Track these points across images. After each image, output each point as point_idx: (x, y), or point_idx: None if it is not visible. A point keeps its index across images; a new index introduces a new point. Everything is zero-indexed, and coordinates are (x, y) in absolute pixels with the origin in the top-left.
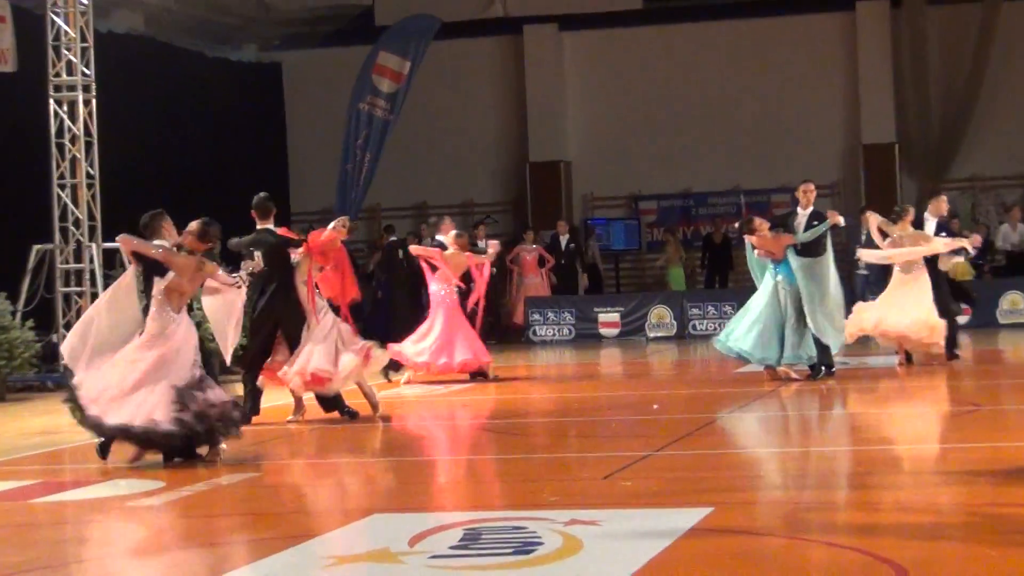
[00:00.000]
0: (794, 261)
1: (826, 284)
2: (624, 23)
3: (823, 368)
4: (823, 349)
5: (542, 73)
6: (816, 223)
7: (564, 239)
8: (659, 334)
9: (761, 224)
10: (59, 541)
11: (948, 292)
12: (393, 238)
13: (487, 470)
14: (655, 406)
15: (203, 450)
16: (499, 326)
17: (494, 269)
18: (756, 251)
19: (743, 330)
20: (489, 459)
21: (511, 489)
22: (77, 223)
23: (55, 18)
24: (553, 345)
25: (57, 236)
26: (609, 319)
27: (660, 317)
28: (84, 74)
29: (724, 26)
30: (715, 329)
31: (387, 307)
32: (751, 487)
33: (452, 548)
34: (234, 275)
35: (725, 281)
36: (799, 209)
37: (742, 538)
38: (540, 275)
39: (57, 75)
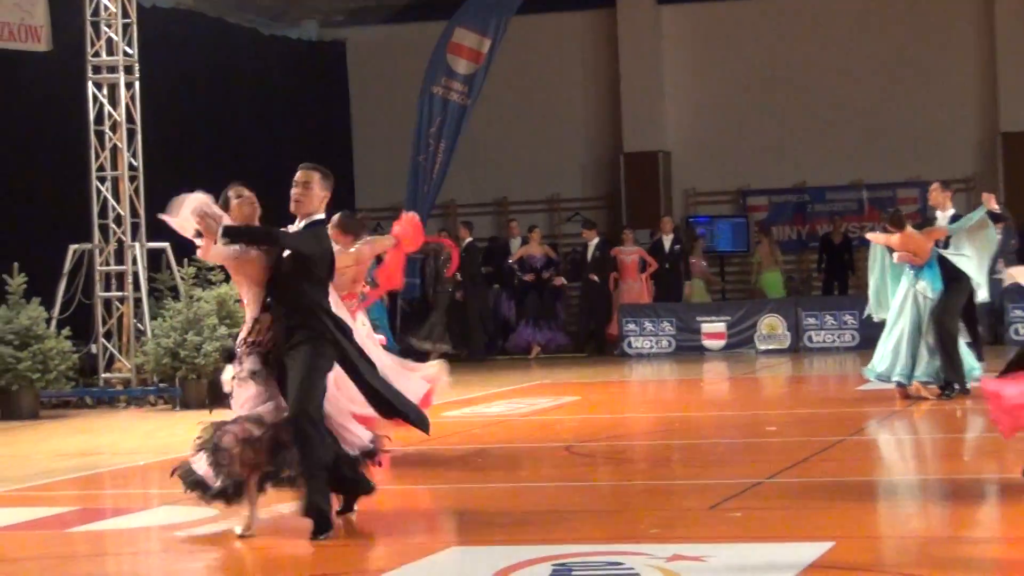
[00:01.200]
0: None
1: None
2: None
3: (955, 387)
4: (955, 365)
5: (638, 52)
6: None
7: (668, 239)
8: (770, 346)
9: (908, 218)
10: (99, 575)
11: None
12: (469, 239)
13: (578, 498)
14: (771, 428)
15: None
16: (592, 337)
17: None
18: (896, 253)
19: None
20: (580, 486)
21: (606, 520)
22: (119, 220)
23: None
24: (651, 359)
25: (96, 235)
26: (714, 330)
27: (771, 328)
28: (126, 54)
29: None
30: (833, 341)
31: (462, 311)
32: (876, 520)
33: None
34: None
35: (845, 287)
36: (938, 213)
37: None
38: (640, 280)
39: (96, 55)
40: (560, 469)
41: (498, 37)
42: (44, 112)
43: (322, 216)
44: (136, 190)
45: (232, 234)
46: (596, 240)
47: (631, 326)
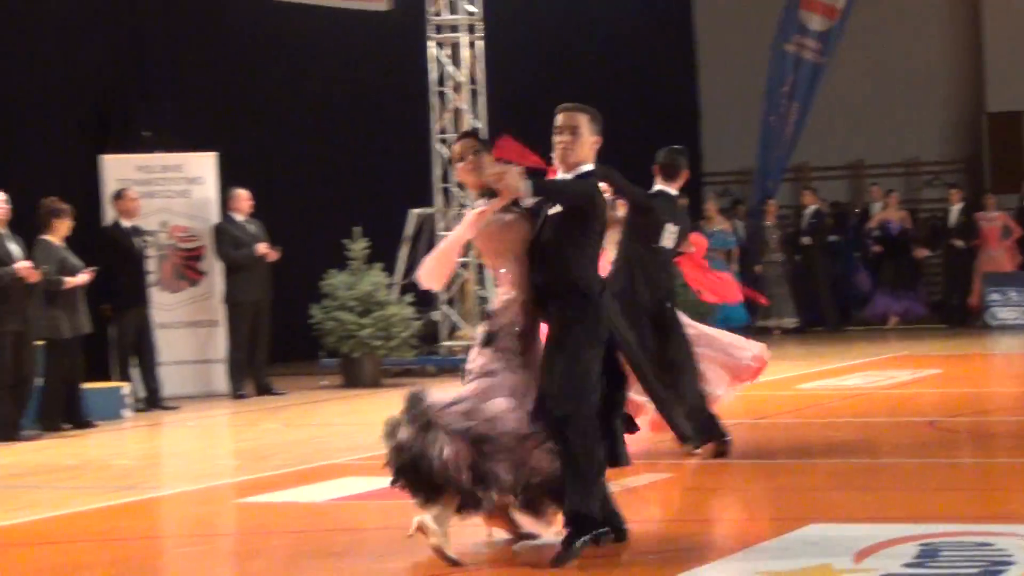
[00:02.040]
0: None
1: None
2: None
3: None
4: None
5: (1003, 4)
6: None
7: None
8: None
9: None
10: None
11: None
12: (815, 205)
13: (941, 476)
14: None
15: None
16: (951, 307)
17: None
18: None
19: None
20: (942, 463)
21: (972, 498)
22: (461, 184)
23: None
24: (1016, 330)
25: (438, 199)
26: None
27: None
28: (468, 12)
29: None
30: None
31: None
32: None
33: (906, 566)
34: None
35: None
36: None
37: None
38: (1003, 247)
39: (437, 14)
40: (923, 445)
41: None
42: (384, 73)
43: (592, 166)
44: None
45: (543, 188)
46: (959, 205)
47: (994, 296)
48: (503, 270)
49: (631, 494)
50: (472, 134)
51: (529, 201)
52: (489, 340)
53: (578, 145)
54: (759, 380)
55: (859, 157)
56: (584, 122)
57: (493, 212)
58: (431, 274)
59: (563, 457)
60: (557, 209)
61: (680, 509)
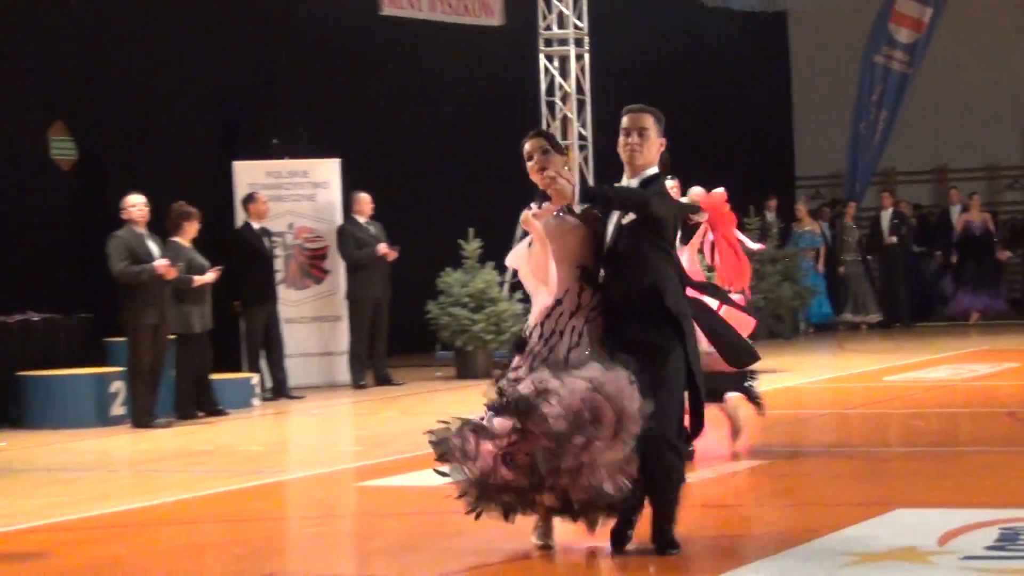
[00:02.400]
0: None
1: None
2: None
3: None
4: None
5: None
6: None
7: None
8: None
9: None
10: None
11: None
12: (891, 207)
13: (1021, 463)
14: None
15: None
16: None
17: None
18: None
19: None
20: (1022, 451)
21: None
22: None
23: None
24: None
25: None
26: None
27: None
28: (576, 27)
29: None
30: None
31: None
32: None
33: (988, 549)
34: None
35: None
36: None
37: None
38: None
39: (548, 28)
40: (1002, 434)
41: (940, 5)
42: (497, 83)
43: (657, 170)
44: (586, 159)
45: (591, 194)
46: None
47: None
48: (557, 271)
49: (726, 480)
50: (541, 133)
51: (579, 207)
52: (521, 345)
53: (646, 147)
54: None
55: (943, 162)
56: (651, 123)
57: (549, 215)
58: (551, 286)
59: (663, 483)
60: (631, 217)
61: (770, 493)
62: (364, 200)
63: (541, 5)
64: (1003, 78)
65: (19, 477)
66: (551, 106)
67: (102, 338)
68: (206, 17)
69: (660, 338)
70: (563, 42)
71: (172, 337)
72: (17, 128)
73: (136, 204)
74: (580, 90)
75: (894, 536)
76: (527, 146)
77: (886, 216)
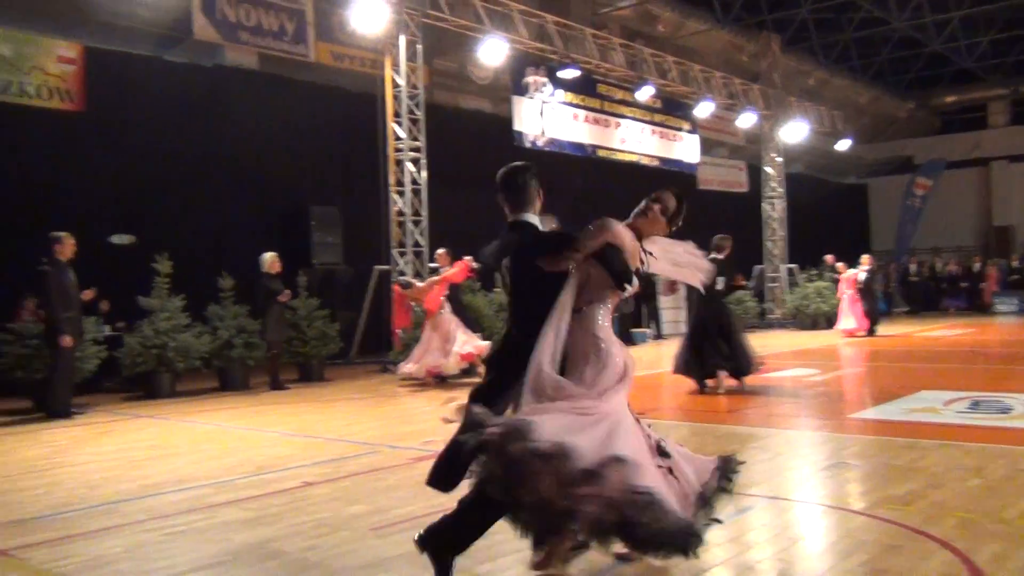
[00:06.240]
0: None
1: None
2: None
3: None
4: None
5: None
6: None
7: None
8: None
9: None
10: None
11: None
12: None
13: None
14: None
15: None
16: None
17: None
18: None
19: None
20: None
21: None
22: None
23: None
24: None
25: None
26: None
27: None
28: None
29: None
30: None
31: None
32: None
33: (969, 407)
34: None
35: None
36: None
37: None
38: None
39: None
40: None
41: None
42: None
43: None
44: None
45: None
46: None
47: None
48: (601, 313)
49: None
50: (670, 192)
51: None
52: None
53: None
54: None
55: None
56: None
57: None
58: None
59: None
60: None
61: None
62: None
63: None
64: None
65: None
66: None
67: None
68: None
69: None
70: None
71: None
72: None
73: None
74: None
75: (920, 402)
76: (659, 203)
77: None
